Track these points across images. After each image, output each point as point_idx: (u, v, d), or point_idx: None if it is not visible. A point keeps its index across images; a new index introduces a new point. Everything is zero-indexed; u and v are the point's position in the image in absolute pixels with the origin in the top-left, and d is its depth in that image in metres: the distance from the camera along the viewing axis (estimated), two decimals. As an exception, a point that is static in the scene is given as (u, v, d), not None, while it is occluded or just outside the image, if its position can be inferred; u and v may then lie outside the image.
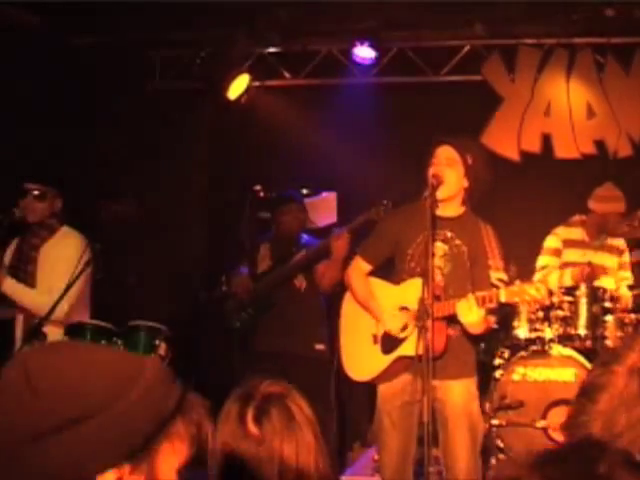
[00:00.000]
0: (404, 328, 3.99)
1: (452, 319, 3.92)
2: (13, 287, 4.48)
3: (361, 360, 4.16)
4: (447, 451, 3.98)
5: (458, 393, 3.98)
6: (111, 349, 1.25)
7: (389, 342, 4.06)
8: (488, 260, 3.87)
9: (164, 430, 1.20)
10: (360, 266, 4.25)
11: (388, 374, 4.03)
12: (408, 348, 3.89)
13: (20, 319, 4.62)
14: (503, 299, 3.73)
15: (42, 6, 6.17)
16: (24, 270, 4.58)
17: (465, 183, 4.04)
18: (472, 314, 3.72)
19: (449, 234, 4.01)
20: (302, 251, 5.66)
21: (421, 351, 3.60)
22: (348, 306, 4.32)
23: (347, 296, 4.35)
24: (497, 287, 3.75)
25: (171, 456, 1.22)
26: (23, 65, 6.27)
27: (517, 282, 3.74)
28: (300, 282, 5.62)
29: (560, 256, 6.00)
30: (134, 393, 1.18)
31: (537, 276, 5.90)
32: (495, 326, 5.73)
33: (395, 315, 4.02)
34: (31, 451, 1.14)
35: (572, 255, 5.97)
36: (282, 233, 5.74)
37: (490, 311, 3.86)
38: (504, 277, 3.77)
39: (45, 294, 4.43)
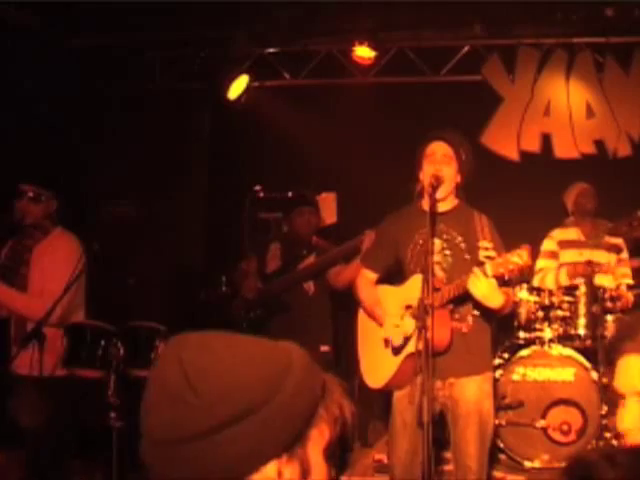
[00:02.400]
0: (407, 339, 3.98)
1: (464, 314, 3.92)
2: (3, 292, 4.45)
3: (376, 367, 4.16)
4: (457, 449, 3.97)
5: (470, 391, 3.96)
6: (256, 340, 1.24)
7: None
8: (478, 242, 3.86)
9: (314, 416, 1.21)
10: (365, 276, 4.27)
11: (401, 377, 4.01)
12: (414, 346, 3.89)
13: (15, 318, 4.60)
14: (490, 273, 3.67)
15: (42, 6, 6.17)
16: (17, 272, 4.55)
17: (458, 178, 4.05)
18: (483, 284, 3.67)
19: (445, 228, 4.00)
20: (312, 254, 5.66)
21: (421, 344, 3.59)
22: (362, 317, 4.34)
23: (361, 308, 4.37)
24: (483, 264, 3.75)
25: (319, 439, 1.23)
26: (23, 65, 6.27)
27: (502, 253, 3.73)
28: (309, 285, 5.62)
29: (557, 258, 6.05)
30: (289, 385, 1.18)
31: (535, 279, 5.94)
32: (494, 327, 5.78)
33: (398, 325, 4.00)
34: (195, 449, 1.14)
35: (569, 255, 6.02)
36: (294, 234, 5.73)
37: (504, 283, 3.82)
38: (492, 254, 3.74)
39: (36, 297, 4.40)
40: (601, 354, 5.30)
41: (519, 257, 3.64)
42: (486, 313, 3.95)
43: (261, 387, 1.17)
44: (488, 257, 3.70)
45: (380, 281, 4.28)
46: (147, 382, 1.21)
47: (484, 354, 4.12)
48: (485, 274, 3.66)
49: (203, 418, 1.14)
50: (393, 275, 4.29)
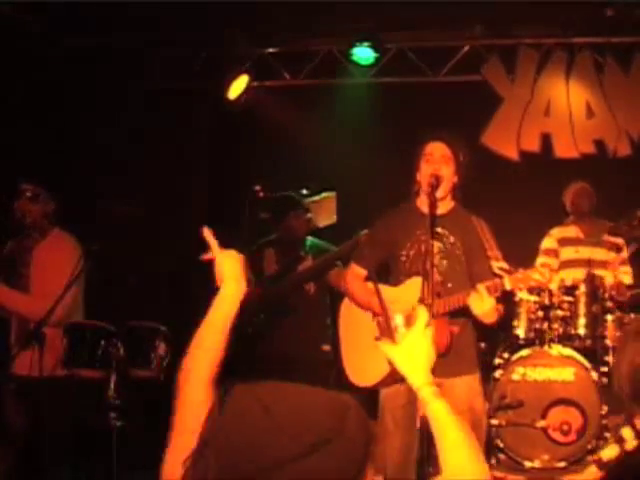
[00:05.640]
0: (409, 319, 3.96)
1: (453, 315, 3.92)
2: (5, 294, 4.44)
3: (365, 366, 4.14)
4: None
5: (461, 390, 3.95)
6: (313, 387, 1.37)
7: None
8: (487, 251, 3.86)
9: (370, 452, 1.33)
10: (356, 272, 4.24)
11: (394, 376, 4.01)
12: None
13: (15, 319, 4.60)
14: (508, 287, 3.70)
15: (42, 7, 6.17)
16: (17, 272, 4.55)
17: (455, 179, 4.05)
18: (485, 304, 3.70)
19: (442, 231, 3.99)
20: (308, 256, 5.66)
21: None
22: (347, 314, 4.31)
23: (344, 304, 4.33)
24: (500, 276, 3.74)
25: (371, 475, 1.34)
26: (23, 65, 6.27)
27: (520, 269, 3.74)
28: (309, 285, 5.64)
29: (557, 256, 6.07)
30: (352, 420, 1.29)
31: None
32: (495, 327, 5.78)
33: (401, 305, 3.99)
34: (277, 477, 1.21)
35: (568, 253, 6.05)
36: (289, 237, 5.72)
37: (498, 300, 3.85)
38: (505, 266, 3.75)
39: (39, 298, 4.40)
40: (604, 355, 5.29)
41: (541, 275, 3.66)
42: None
43: (329, 420, 1.27)
44: (502, 269, 3.70)
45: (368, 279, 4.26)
46: (218, 425, 1.29)
47: (471, 355, 4.13)
48: (489, 292, 3.67)
49: (282, 446, 1.23)
50: (381, 273, 4.27)
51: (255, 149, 7.32)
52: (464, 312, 3.88)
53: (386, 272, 4.22)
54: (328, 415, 1.27)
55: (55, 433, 4.31)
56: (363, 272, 4.22)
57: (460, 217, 4.07)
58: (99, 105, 6.99)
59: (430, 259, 3.69)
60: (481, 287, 3.71)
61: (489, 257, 3.81)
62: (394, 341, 2.07)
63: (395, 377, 3.98)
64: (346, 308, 4.31)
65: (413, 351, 2.00)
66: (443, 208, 4.04)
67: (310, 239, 5.77)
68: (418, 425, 3.40)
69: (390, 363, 2.06)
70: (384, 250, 4.15)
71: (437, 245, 3.96)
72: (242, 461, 1.24)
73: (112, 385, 4.20)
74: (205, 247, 2.25)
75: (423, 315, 2.08)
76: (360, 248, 4.36)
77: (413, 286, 3.91)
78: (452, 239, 4.01)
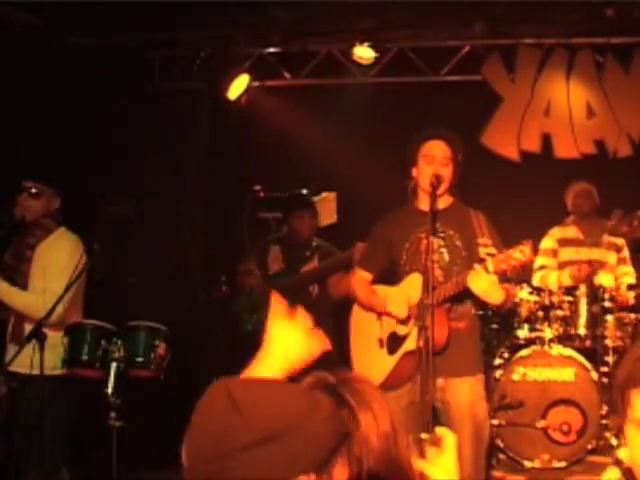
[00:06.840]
0: (409, 317, 3.98)
1: (461, 314, 3.92)
2: (4, 290, 4.44)
3: (370, 367, 4.15)
4: None
5: (464, 393, 3.93)
6: (290, 383, 1.57)
7: (394, 342, 4.07)
8: (477, 239, 3.86)
9: (339, 449, 1.43)
10: (361, 276, 4.29)
11: (397, 376, 4.00)
12: (412, 344, 3.90)
13: (13, 317, 4.59)
14: (491, 269, 3.66)
15: (42, 6, 6.17)
16: (19, 269, 4.54)
17: (453, 178, 4.07)
18: (482, 280, 3.67)
19: (440, 226, 4.00)
20: (315, 255, 5.68)
21: (422, 344, 3.59)
22: (356, 318, 4.35)
23: (354, 309, 4.38)
24: (485, 260, 3.73)
25: (341, 472, 1.44)
26: (23, 65, 6.26)
27: (503, 250, 3.72)
28: (313, 287, 5.66)
29: (556, 256, 6.08)
30: (319, 417, 1.40)
31: (535, 277, 5.96)
32: (495, 326, 5.79)
33: (399, 299, 4.00)
34: (237, 461, 1.34)
35: (568, 253, 6.05)
36: (295, 237, 5.74)
37: (505, 279, 3.82)
38: (493, 251, 3.73)
39: (38, 295, 4.39)
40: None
41: (521, 253, 3.64)
42: (484, 310, 3.95)
43: (293, 413, 1.38)
44: (489, 254, 3.69)
45: (375, 282, 4.28)
46: (194, 410, 1.41)
47: (476, 355, 4.11)
48: (486, 270, 3.66)
49: (244, 433, 1.35)
50: (388, 276, 4.29)
51: (255, 149, 7.32)
52: (470, 299, 3.86)
53: (390, 275, 4.24)
54: (293, 409, 1.38)
55: (55, 433, 4.31)
56: (368, 276, 4.26)
57: (458, 211, 4.09)
58: (99, 105, 6.99)
59: (430, 256, 3.70)
60: (477, 265, 3.69)
61: (478, 244, 3.80)
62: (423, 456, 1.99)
63: (400, 374, 3.99)
64: (357, 312, 4.34)
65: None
66: (442, 204, 4.06)
67: (317, 240, 5.79)
68: (425, 419, 3.40)
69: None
70: (385, 253, 4.18)
71: (437, 241, 3.96)
72: (205, 448, 1.37)
73: (112, 385, 4.21)
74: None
75: (451, 440, 1.92)
76: (364, 252, 4.39)
77: (411, 282, 3.93)
78: (451, 232, 4.02)
